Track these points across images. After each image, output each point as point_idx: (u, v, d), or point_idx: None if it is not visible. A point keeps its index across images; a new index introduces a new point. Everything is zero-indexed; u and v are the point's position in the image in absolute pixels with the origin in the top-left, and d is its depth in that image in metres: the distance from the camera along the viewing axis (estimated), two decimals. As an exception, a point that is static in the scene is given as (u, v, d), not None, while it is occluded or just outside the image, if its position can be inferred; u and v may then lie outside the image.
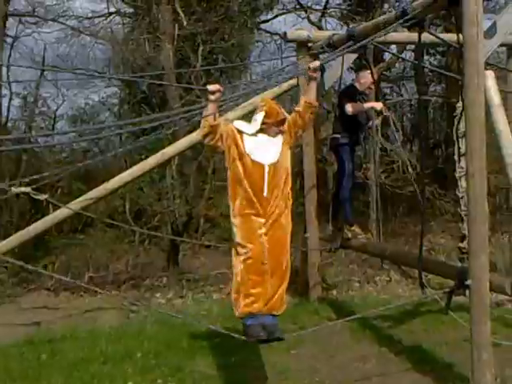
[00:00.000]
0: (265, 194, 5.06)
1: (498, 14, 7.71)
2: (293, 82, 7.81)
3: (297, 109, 5.37)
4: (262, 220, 5.05)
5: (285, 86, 8.03)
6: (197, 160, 11.19)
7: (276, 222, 5.10)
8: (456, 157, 7.33)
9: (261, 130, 5.18)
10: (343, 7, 15.53)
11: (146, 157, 8.78)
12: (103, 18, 13.83)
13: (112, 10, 13.83)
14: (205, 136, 5.11)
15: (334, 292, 9.26)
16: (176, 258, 10.44)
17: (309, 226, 8.35)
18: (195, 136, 8.13)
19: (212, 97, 4.99)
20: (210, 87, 5.05)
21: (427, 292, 6.10)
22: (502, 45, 8.43)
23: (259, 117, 5.20)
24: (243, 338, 4.99)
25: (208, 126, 5.06)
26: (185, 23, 11.87)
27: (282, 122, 5.26)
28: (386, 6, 13.94)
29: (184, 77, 11.66)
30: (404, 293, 9.12)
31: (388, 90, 16.88)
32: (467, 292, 5.07)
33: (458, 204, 7.64)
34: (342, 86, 8.28)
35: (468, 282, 4.84)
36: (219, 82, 13.24)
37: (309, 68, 5.35)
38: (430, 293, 6.49)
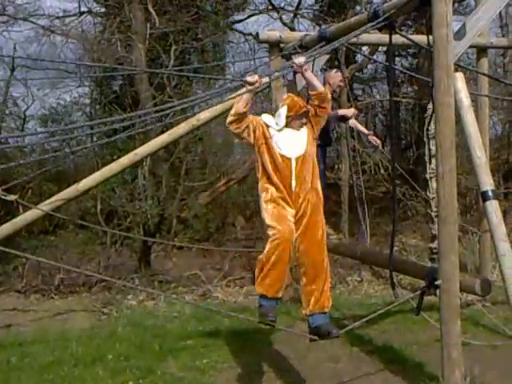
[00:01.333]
0: (293, 188, 5.13)
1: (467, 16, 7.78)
2: (265, 81, 7.78)
3: (310, 103, 5.39)
4: (293, 211, 5.12)
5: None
6: (169, 161, 11.14)
7: (310, 219, 5.15)
8: (427, 158, 7.41)
9: (286, 124, 5.25)
10: (315, 8, 15.58)
11: (119, 157, 8.72)
12: (75, 17, 13.70)
13: (83, 9, 13.72)
14: (231, 122, 5.16)
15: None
16: (148, 259, 10.37)
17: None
18: (167, 136, 8.10)
19: (250, 87, 5.05)
20: (249, 78, 5.10)
21: (398, 292, 6.15)
22: (471, 46, 8.56)
23: (282, 111, 5.26)
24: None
25: (236, 114, 5.12)
26: (157, 23, 11.80)
27: (305, 113, 5.30)
28: (358, 7, 13.99)
29: (156, 77, 11.60)
30: (375, 293, 9.18)
31: (360, 92, 16.96)
32: (438, 292, 5.11)
33: (428, 205, 7.72)
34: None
35: (438, 282, 4.88)
36: (191, 82, 13.28)
37: (294, 64, 5.34)
38: (401, 293, 6.55)
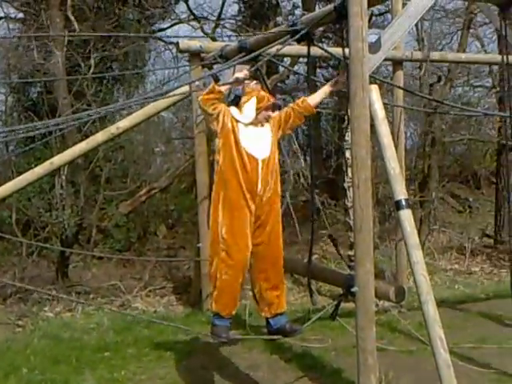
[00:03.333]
0: (258, 190, 5.04)
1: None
2: (185, 90, 7.77)
3: (293, 106, 5.41)
4: (252, 218, 5.06)
5: (177, 94, 7.98)
6: (87, 169, 10.94)
7: (273, 226, 5.17)
8: (344, 167, 7.55)
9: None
10: (238, 19, 15.66)
11: (36, 166, 8.52)
12: (-9, 22, 13.32)
13: (1, 14, 13.36)
14: (209, 99, 5.01)
15: (228, 301, 9.25)
16: (65, 270, 10.13)
17: (201, 236, 8.32)
18: (85, 145, 7.97)
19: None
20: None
21: (316, 300, 6.24)
22: (387, 59, 8.78)
23: (251, 103, 5.18)
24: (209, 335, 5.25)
25: (217, 92, 5.03)
26: (76, 30, 11.59)
27: (272, 106, 5.26)
28: (279, 18, 14.15)
29: (75, 84, 11.39)
30: (296, 301, 9.25)
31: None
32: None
33: (347, 213, 7.86)
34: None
35: (354, 289, 4.96)
36: (112, 90, 13.12)
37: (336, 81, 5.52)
38: (319, 300, 6.65)
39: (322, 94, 5.56)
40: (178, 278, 10.27)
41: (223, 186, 5.06)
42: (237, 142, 5.05)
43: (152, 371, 6.21)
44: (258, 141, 5.16)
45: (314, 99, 5.47)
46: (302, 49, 7.54)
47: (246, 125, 5.16)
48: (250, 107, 5.20)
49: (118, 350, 6.84)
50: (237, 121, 5.14)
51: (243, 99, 5.30)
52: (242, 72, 5.41)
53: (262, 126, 5.24)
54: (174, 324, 5.97)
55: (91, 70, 11.64)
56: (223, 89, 5.12)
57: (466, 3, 11.36)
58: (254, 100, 5.23)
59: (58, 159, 8.01)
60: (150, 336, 7.32)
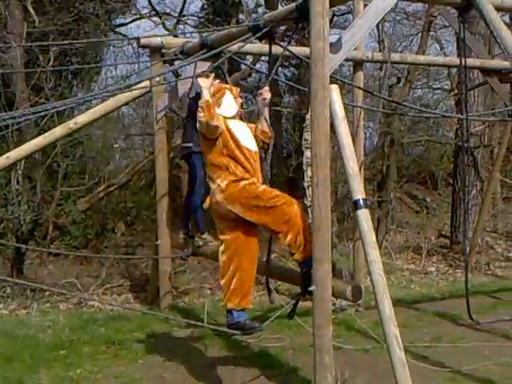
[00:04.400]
0: (260, 181, 5.21)
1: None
2: (145, 86, 7.70)
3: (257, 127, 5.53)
4: None
5: (137, 90, 7.91)
6: (45, 164, 10.76)
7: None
8: (304, 167, 7.56)
9: None
10: (200, 15, 15.60)
11: (-8, 160, 8.34)
12: None
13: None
14: (212, 115, 5.01)
15: (186, 299, 9.24)
16: (20, 266, 9.95)
17: (160, 234, 8.28)
18: (43, 140, 7.82)
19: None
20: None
21: (274, 298, 6.24)
22: (348, 60, 8.86)
23: (228, 96, 5.31)
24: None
25: (211, 105, 5.04)
26: (36, 22, 11.40)
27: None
28: (241, 16, 14.14)
29: (33, 78, 11.19)
30: (254, 299, 9.23)
31: (243, 100, 17.09)
32: (313, 298, 5.22)
33: (306, 212, 7.86)
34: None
35: (311, 288, 4.98)
36: (71, 85, 12.94)
37: (260, 94, 5.52)
38: (277, 299, 6.65)
39: (265, 117, 5.62)
40: (136, 276, 10.19)
41: (240, 179, 5.11)
42: (234, 139, 5.16)
43: (108, 370, 6.15)
44: (246, 134, 5.32)
45: (262, 124, 5.57)
46: (263, 47, 7.54)
47: (232, 119, 5.28)
48: (228, 100, 5.30)
49: (73, 348, 6.76)
50: (225, 118, 5.23)
51: (216, 95, 5.34)
52: (208, 79, 5.41)
53: (241, 119, 5.41)
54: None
55: (50, 64, 11.46)
56: (209, 98, 5.13)
57: (426, 6, 11.49)
58: (228, 93, 5.33)
59: (15, 154, 7.83)
60: (106, 334, 7.25)
